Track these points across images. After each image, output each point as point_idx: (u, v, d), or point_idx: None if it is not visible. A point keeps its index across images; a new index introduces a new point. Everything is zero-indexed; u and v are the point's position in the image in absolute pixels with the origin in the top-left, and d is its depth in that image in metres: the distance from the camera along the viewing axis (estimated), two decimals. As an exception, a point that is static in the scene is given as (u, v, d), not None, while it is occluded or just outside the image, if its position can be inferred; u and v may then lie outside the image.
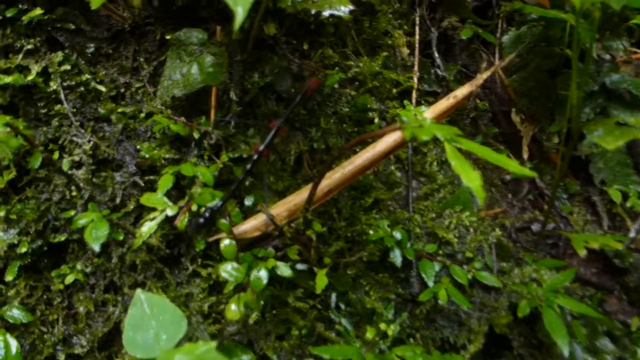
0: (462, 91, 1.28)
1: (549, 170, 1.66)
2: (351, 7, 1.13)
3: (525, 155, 1.70)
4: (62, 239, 1.10)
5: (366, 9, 1.54)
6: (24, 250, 1.07)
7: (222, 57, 1.17)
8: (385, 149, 1.20)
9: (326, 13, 1.14)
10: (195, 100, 1.22)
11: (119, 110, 1.16)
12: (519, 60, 1.68)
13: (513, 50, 1.66)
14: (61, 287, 1.10)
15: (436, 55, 1.49)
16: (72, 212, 1.09)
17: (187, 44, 1.19)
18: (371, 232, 1.19)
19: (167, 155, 1.13)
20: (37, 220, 1.09)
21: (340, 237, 1.22)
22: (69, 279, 1.09)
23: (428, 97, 1.52)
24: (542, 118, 1.71)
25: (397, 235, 1.19)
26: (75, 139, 1.11)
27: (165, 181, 1.04)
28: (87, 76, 1.15)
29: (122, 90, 1.19)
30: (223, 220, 1.07)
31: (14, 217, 1.08)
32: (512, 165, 0.78)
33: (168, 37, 1.19)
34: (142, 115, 1.18)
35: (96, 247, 1.01)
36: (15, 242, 1.07)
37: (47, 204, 1.10)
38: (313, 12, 1.14)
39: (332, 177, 1.18)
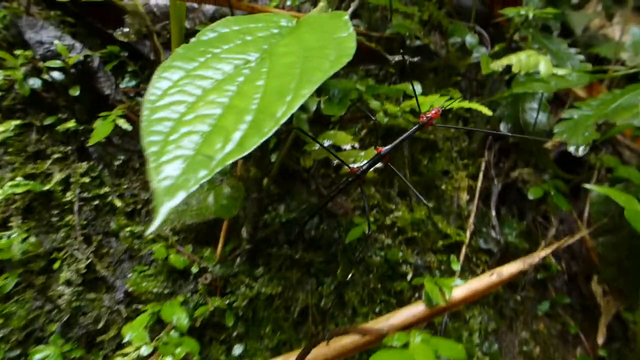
0: (509, 269, 1.06)
1: (629, 366, 1.35)
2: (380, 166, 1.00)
3: (601, 339, 1.39)
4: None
5: (427, 145, 1.40)
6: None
7: (239, 192, 1.09)
8: (402, 322, 1.03)
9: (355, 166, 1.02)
10: (208, 228, 1.15)
11: (128, 228, 1.12)
12: (609, 220, 1.40)
13: (603, 211, 1.40)
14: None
15: (493, 214, 1.29)
16: (55, 327, 1.05)
17: (210, 170, 1.13)
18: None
19: (155, 289, 1.05)
20: (22, 329, 1.06)
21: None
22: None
23: (482, 255, 1.31)
24: (632, 295, 1.40)
25: None
26: (76, 253, 1.09)
27: (140, 322, 0.96)
28: (107, 189, 1.13)
29: (140, 206, 1.16)
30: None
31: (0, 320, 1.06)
32: None
33: (194, 159, 1.14)
34: (150, 237, 1.13)
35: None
36: (-5, 347, 1.05)
37: (36, 312, 1.07)
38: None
39: (333, 346, 1.02)
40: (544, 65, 1.29)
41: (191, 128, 0.64)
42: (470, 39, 1.56)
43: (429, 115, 1.01)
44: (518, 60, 1.28)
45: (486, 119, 1.47)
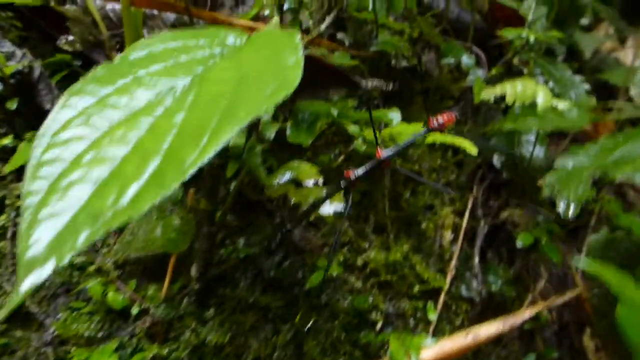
0: (487, 330, 0.94)
1: None
2: (339, 206, 0.88)
3: (593, 403, 1.26)
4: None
5: (410, 178, 1.28)
6: None
7: (188, 225, 0.97)
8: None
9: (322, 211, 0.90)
10: (158, 262, 1.04)
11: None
12: (609, 269, 1.27)
13: (602, 258, 1.27)
14: None
15: (476, 260, 1.17)
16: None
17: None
18: None
19: (87, 333, 0.94)
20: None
21: None
22: None
23: (462, 304, 1.18)
24: (625, 357, 1.26)
25: None
26: (5, 285, 0.97)
27: (63, 373, 0.84)
28: (46, 213, 1.02)
29: (82, 233, 1.04)
30: None
31: None
32: None
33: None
34: (92, 268, 1.01)
35: None
36: None
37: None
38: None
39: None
40: (541, 97, 1.16)
41: (85, 173, 0.52)
42: (466, 59, 1.44)
43: (439, 120, 0.89)
44: (513, 90, 1.15)
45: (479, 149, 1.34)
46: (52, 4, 1.03)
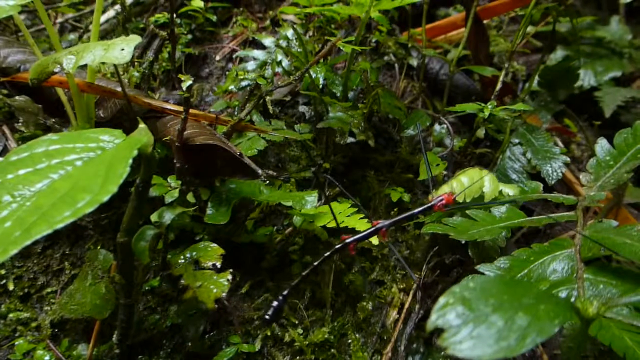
0: None
1: None
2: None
3: None
4: None
5: (362, 250, 1.27)
6: None
7: (110, 295, 1.05)
8: None
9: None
10: (94, 324, 1.12)
11: (12, 315, 1.11)
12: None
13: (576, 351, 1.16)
14: None
15: (414, 345, 1.12)
16: None
17: (96, 265, 1.10)
18: None
19: (10, 391, 1.03)
20: None
21: None
22: None
23: (396, 390, 1.13)
24: None
25: None
26: None
27: None
28: (3, 272, 1.14)
29: (33, 291, 1.15)
30: None
31: None
32: None
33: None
34: (34, 324, 1.11)
35: None
36: None
37: None
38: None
39: None
40: (488, 185, 1.11)
41: None
42: (438, 127, 1.41)
43: (440, 197, 0.98)
44: (460, 186, 1.11)
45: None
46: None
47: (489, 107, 1.26)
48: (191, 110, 1.08)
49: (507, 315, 0.54)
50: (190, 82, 0.92)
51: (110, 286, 1.05)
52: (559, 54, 2.12)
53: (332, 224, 1.04)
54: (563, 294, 0.73)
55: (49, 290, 1.16)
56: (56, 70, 0.92)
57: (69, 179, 0.70)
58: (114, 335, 1.06)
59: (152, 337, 1.11)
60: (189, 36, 1.58)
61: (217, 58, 1.55)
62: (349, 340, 1.16)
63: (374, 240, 0.97)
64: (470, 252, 1.21)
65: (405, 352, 1.16)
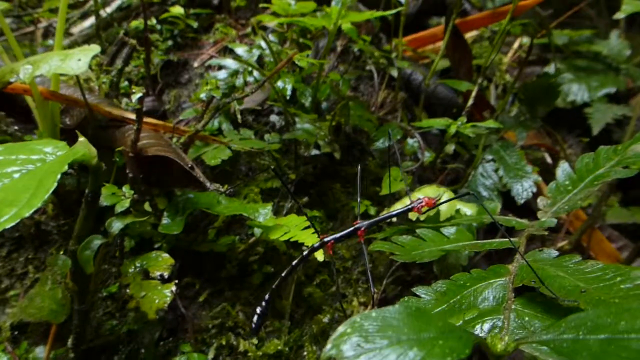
0: None
1: None
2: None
3: None
4: None
5: (324, 263, 1.26)
6: None
7: (66, 300, 1.06)
8: None
9: None
10: (48, 328, 1.14)
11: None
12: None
13: None
14: None
15: None
16: None
17: (55, 270, 1.12)
18: None
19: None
20: None
21: None
22: None
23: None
24: None
25: None
26: None
27: None
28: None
29: (-1, 289, 1.18)
30: None
31: None
32: None
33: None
34: (-5, 327, 1.14)
35: None
36: None
37: None
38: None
39: None
40: (444, 205, 1.10)
41: None
42: (411, 141, 1.40)
43: (420, 199, 0.97)
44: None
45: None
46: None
47: (458, 123, 1.25)
48: (150, 120, 1.09)
49: (400, 350, 0.54)
50: (140, 94, 0.93)
51: (66, 292, 1.07)
52: (552, 68, 2.10)
53: (287, 236, 1.04)
54: (487, 325, 0.72)
55: (12, 293, 1.19)
56: (12, 80, 0.93)
57: (1, 192, 0.71)
58: (69, 340, 1.08)
59: (109, 342, 1.12)
60: (169, 42, 1.60)
61: (196, 65, 1.56)
62: (305, 352, 1.16)
63: (319, 256, 0.97)
64: (435, 268, 1.20)
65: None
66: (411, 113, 1.66)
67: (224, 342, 1.14)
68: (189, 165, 0.96)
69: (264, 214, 1.02)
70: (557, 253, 0.83)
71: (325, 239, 0.95)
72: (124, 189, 1.03)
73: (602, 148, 1.04)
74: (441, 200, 1.09)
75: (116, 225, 0.94)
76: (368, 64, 1.67)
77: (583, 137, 1.92)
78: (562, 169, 1.05)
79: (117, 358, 1.10)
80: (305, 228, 1.06)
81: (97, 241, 0.91)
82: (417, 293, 0.84)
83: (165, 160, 0.96)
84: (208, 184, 0.95)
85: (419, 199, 1.00)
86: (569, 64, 2.09)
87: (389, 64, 1.65)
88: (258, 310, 0.89)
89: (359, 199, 1.03)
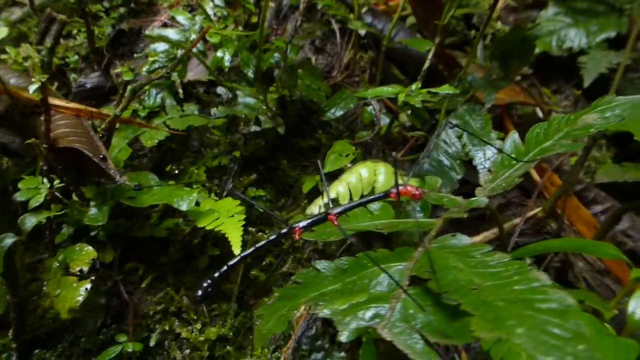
0: None
1: None
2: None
3: None
4: None
5: (277, 254, 1.22)
6: None
7: (1, 292, 1.05)
8: None
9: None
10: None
11: None
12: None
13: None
14: None
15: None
16: None
17: None
18: None
19: None
20: None
21: None
22: None
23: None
24: None
25: None
26: None
27: None
28: None
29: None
30: None
31: None
32: None
33: None
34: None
35: None
36: None
37: None
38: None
39: None
40: (382, 177, 1.02)
41: None
42: (369, 108, 1.31)
43: (400, 188, 0.88)
44: (358, 181, 1.03)
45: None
46: None
47: (413, 87, 1.14)
48: (72, 105, 1.03)
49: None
50: (39, 84, 0.87)
51: (1, 285, 1.06)
52: (550, 11, 1.92)
53: (215, 224, 0.99)
54: (370, 312, 0.65)
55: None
56: None
57: None
58: (10, 331, 1.08)
59: (53, 330, 1.12)
60: (122, 9, 1.51)
61: (148, 33, 1.48)
62: (251, 336, 1.13)
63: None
64: (393, 245, 1.14)
65: (309, 348, 1.13)
66: (384, 74, 1.55)
67: (167, 328, 1.12)
68: (101, 156, 0.90)
69: (187, 201, 0.97)
70: (468, 240, 0.75)
71: (294, 225, 0.89)
72: (45, 181, 0.98)
73: (556, 117, 0.93)
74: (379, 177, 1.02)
75: (30, 222, 0.90)
76: (332, 22, 1.55)
77: (576, 90, 1.77)
78: (511, 140, 0.95)
79: (60, 347, 1.10)
80: (236, 214, 1.01)
81: (9, 240, 0.88)
82: (318, 267, 0.78)
83: (78, 151, 0.90)
84: (118, 177, 0.90)
85: (399, 185, 0.91)
86: (568, 7, 1.91)
87: (349, 17, 1.53)
88: (204, 284, 0.82)
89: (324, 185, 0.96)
